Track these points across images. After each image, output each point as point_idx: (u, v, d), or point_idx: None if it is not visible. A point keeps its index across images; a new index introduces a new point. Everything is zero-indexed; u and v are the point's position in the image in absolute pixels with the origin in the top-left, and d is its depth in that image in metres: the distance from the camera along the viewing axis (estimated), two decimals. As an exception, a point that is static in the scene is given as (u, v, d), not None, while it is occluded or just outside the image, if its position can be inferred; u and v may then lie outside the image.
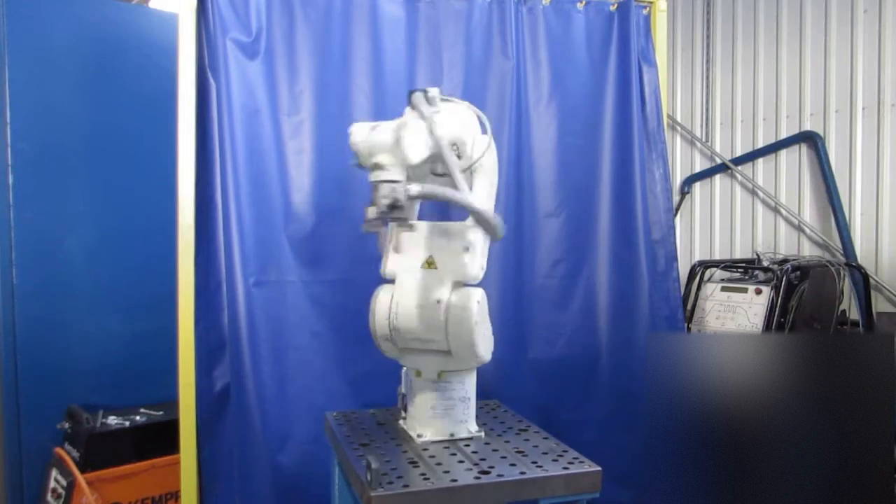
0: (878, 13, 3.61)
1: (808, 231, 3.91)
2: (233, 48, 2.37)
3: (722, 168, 4.30)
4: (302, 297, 2.45)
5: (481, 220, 1.85)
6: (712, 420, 0.90)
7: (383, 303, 1.93)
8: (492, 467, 1.75)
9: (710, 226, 4.39)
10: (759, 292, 3.20)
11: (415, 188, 1.71)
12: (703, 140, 4.40)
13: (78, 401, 2.91)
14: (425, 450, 1.90)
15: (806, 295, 3.17)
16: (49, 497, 2.79)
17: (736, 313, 3.24)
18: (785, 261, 3.34)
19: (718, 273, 3.52)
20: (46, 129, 2.95)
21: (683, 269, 3.25)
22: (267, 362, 2.36)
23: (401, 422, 2.10)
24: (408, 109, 1.87)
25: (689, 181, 4.45)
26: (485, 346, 1.91)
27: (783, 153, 4.02)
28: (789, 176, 4.00)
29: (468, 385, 2.01)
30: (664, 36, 2.85)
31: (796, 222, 3.96)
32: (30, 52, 2.90)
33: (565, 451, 1.88)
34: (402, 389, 2.09)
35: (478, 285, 1.93)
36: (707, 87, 4.40)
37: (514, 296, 2.62)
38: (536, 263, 2.68)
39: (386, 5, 2.55)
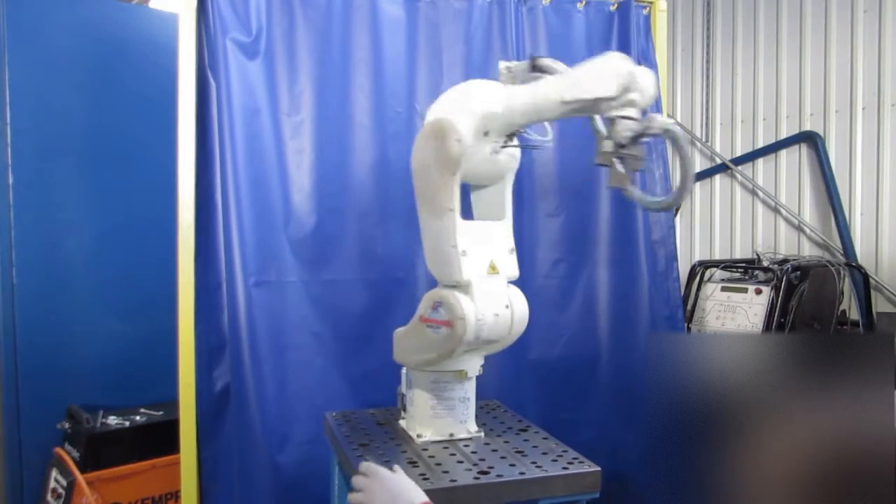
0: (878, 13, 3.60)
1: (808, 231, 3.91)
2: (233, 48, 2.36)
3: (722, 168, 4.30)
4: (302, 298, 2.44)
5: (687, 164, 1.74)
6: (712, 420, 0.90)
7: (471, 312, 1.87)
8: (491, 467, 1.75)
9: (710, 226, 4.39)
10: (759, 292, 3.20)
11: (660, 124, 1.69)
12: (703, 140, 4.40)
13: (78, 401, 2.91)
14: (425, 450, 1.89)
15: (806, 295, 3.17)
16: (49, 497, 2.79)
17: (736, 313, 3.24)
18: (785, 261, 3.34)
19: (718, 273, 3.52)
20: (46, 129, 2.95)
21: (683, 270, 3.25)
22: (267, 362, 2.36)
23: (400, 422, 2.10)
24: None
25: (690, 181, 4.45)
26: None
27: (783, 153, 4.02)
28: (789, 176, 4.00)
29: (468, 385, 2.01)
30: (664, 36, 2.85)
31: (796, 222, 3.96)
32: (30, 52, 2.90)
33: (565, 451, 1.88)
34: (402, 389, 2.08)
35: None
36: (707, 87, 4.40)
37: (514, 296, 2.62)
38: (536, 263, 2.67)
39: (386, 5, 2.54)
